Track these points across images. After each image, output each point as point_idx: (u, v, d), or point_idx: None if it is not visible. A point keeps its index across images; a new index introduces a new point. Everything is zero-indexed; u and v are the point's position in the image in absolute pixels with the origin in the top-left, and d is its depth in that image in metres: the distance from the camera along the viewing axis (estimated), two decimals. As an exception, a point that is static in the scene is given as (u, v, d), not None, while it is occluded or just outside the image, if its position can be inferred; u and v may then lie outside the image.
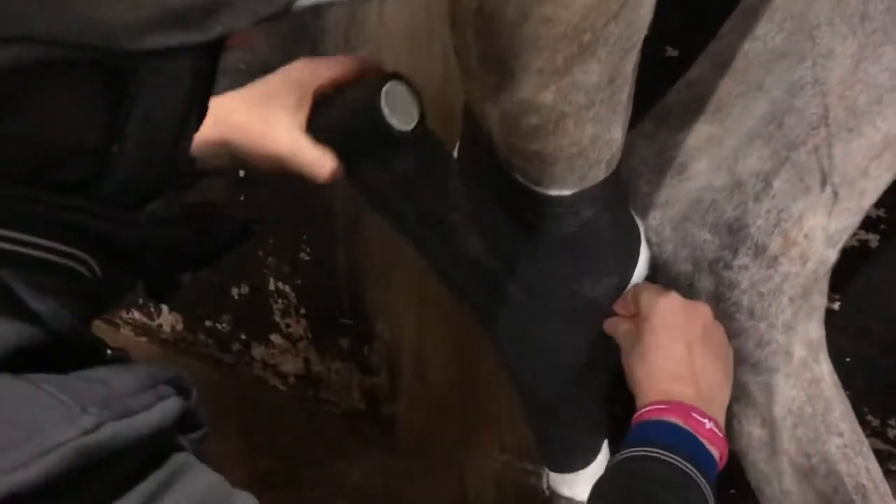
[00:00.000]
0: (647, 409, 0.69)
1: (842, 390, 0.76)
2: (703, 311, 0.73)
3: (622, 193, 0.77)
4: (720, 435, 0.68)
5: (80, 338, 0.41)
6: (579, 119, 0.65)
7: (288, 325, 1.59)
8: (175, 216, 0.49)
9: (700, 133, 0.74)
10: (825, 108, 0.67)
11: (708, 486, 0.64)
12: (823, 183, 0.68)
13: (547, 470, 0.88)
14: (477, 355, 1.10)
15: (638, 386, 0.72)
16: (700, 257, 0.74)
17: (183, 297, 1.70)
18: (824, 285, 0.73)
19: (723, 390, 0.72)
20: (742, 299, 0.72)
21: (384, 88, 0.69)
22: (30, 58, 0.34)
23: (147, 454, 0.40)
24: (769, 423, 0.76)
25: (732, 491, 1.12)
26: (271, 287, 1.55)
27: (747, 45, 0.70)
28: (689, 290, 0.75)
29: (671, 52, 0.91)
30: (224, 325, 1.69)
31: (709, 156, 0.74)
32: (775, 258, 0.70)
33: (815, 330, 0.74)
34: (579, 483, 0.84)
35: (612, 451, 0.83)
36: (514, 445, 1.21)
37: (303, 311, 1.56)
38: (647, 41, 0.63)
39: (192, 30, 0.37)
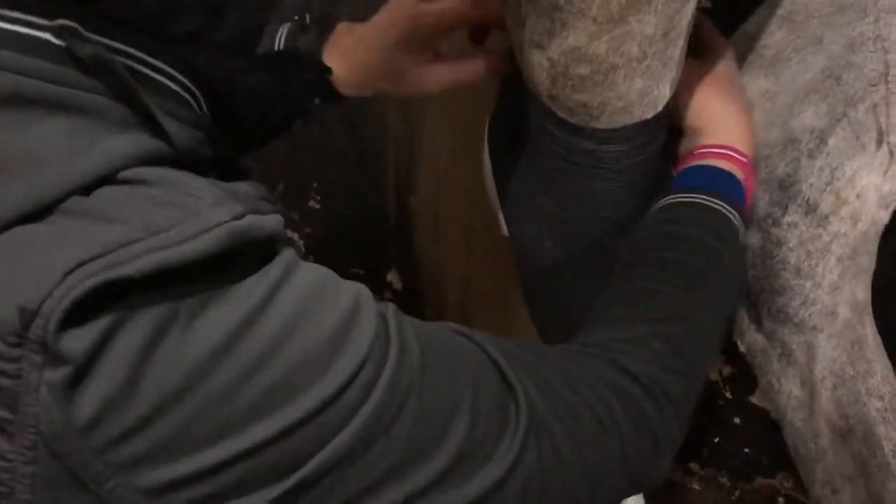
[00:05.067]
0: (720, 150, 0.69)
1: (884, 353, 0.74)
2: None
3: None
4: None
5: (197, 159, 0.47)
6: (630, 71, 0.62)
7: (297, 274, 1.57)
8: (263, 61, 0.60)
9: (754, 87, 0.72)
10: (886, 64, 0.65)
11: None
12: (880, 142, 0.66)
13: None
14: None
15: (716, 117, 0.70)
16: (748, 213, 0.72)
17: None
18: (874, 246, 0.71)
19: None
20: (789, 257, 0.70)
21: None
22: None
23: (265, 252, 0.44)
24: (809, 384, 0.75)
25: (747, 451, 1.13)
26: (280, 235, 1.52)
27: (807, -2, 0.68)
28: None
29: (704, 2, 0.89)
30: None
31: (762, 110, 0.71)
32: (826, 217, 0.68)
33: (861, 291, 0.72)
34: None
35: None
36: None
37: (312, 259, 1.53)
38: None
39: None
